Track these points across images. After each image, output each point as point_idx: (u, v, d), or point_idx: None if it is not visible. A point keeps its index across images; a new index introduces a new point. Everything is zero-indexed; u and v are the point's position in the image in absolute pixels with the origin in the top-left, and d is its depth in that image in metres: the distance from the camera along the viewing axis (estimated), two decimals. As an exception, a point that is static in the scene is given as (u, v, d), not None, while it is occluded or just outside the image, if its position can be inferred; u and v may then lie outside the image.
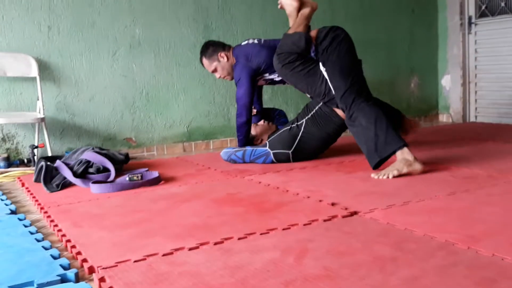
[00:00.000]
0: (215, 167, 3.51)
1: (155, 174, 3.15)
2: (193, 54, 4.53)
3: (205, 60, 3.71)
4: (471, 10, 5.57)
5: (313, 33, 3.30)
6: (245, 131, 3.65)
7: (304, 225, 2.09)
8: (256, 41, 3.72)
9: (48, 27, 3.97)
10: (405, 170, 2.87)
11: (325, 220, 2.14)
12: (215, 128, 4.70)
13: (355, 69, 3.21)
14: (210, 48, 3.67)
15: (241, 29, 4.74)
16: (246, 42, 3.75)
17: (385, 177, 2.87)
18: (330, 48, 3.19)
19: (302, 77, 3.25)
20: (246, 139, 3.68)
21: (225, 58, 3.65)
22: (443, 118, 5.98)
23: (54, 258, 1.83)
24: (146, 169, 3.42)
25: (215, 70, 3.70)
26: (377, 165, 2.99)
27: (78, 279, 1.67)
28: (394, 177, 2.85)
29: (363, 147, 3.05)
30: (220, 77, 3.75)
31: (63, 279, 1.64)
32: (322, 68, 3.19)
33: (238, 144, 3.72)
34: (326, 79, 3.18)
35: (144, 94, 4.38)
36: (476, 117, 5.69)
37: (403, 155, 2.92)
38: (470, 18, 5.58)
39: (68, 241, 2.03)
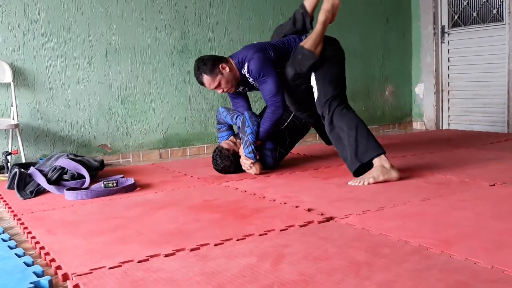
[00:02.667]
0: (192, 174, 3.50)
1: (130, 180, 3.13)
2: (169, 61, 4.53)
3: (206, 77, 3.25)
4: (444, 19, 5.68)
5: None
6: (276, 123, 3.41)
7: (281, 230, 2.10)
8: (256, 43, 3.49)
9: (23, 33, 3.93)
10: (381, 178, 2.90)
11: (301, 226, 2.15)
12: (192, 135, 4.70)
13: (343, 80, 3.28)
14: (209, 63, 3.25)
15: (218, 36, 4.75)
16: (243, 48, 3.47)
17: (361, 183, 2.89)
18: (329, 56, 3.24)
19: (300, 95, 3.33)
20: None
21: (227, 69, 3.25)
22: (417, 125, 6.06)
23: (28, 265, 1.80)
24: (122, 175, 3.40)
25: (218, 85, 3.27)
26: (357, 171, 3.01)
27: (52, 286, 1.65)
28: (369, 184, 2.88)
29: (344, 152, 3.07)
30: (223, 91, 3.34)
31: (37, 287, 1.62)
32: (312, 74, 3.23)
33: (260, 136, 3.34)
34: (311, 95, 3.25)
35: (120, 101, 4.35)
36: (449, 124, 5.79)
37: (381, 162, 2.96)
38: (443, 27, 5.68)
39: (42, 248, 2.01)
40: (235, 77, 3.30)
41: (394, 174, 2.93)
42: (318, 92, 3.19)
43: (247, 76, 3.28)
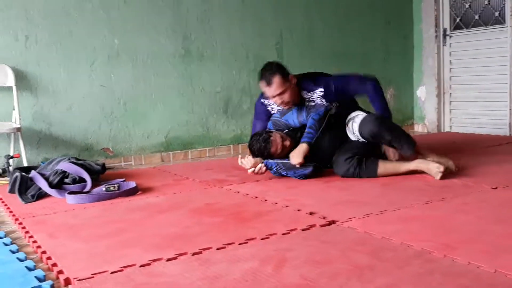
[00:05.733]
0: (193, 177, 3.50)
1: (132, 184, 3.13)
2: (171, 65, 4.53)
3: (279, 79, 3.21)
4: (445, 22, 5.68)
5: None
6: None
7: (283, 234, 2.10)
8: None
9: (26, 37, 3.93)
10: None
11: (303, 230, 2.15)
12: (194, 138, 4.69)
13: None
14: (283, 68, 3.29)
15: (220, 40, 4.75)
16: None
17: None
18: None
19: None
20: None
21: (294, 81, 3.29)
22: (419, 128, 6.06)
23: (29, 269, 1.80)
24: (123, 179, 3.39)
25: (283, 92, 3.24)
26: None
27: (54, 291, 1.64)
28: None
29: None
30: (283, 102, 3.30)
31: (39, 291, 1.62)
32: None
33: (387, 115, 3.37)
34: None
35: (122, 104, 4.35)
36: (450, 127, 5.78)
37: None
38: (445, 30, 5.68)
39: (44, 252, 2.01)
40: (297, 95, 3.34)
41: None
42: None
43: (314, 101, 3.34)
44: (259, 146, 3.22)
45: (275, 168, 3.24)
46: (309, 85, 3.35)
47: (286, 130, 3.40)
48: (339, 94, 3.32)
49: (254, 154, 3.28)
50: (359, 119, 3.25)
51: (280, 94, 3.25)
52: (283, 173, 3.24)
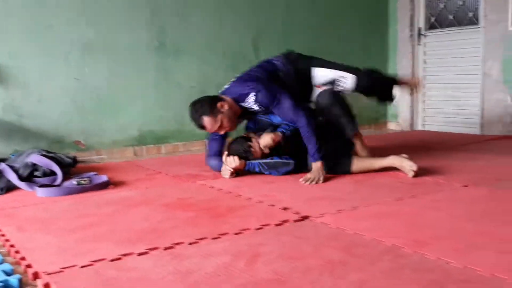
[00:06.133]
0: (166, 172, 3.47)
1: (103, 178, 3.09)
2: (146, 58, 4.48)
3: (208, 119, 3.12)
4: (421, 22, 5.74)
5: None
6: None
7: (256, 229, 2.09)
8: (240, 75, 3.38)
9: (-5, 26, 3.85)
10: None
11: (276, 225, 2.15)
12: (168, 132, 4.65)
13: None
14: (205, 104, 3.14)
15: (197, 33, 4.71)
16: (230, 82, 3.34)
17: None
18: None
19: None
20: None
21: (226, 106, 3.14)
22: (392, 126, 6.12)
23: (-4, 263, 1.76)
24: (95, 173, 3.35)
25: (221, 125, 3.15)
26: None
27: (21, 285, 1.61)
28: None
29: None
30: (226, 131, 3.23)
31: (6, 285, 1.58)
32: None
33: (317, 145, 3.07)
34: None
35: (96, 97, 4.29)
36: (423, 125, 5.85)
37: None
38: (419, 29, 5.74)
39: (12, 246, 1.97)
40: (236, 114, 3.21)
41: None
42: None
43: (253, 108, 3.20)
44: (237, 153, 3.19)
45: (257, 169, 3.22)
46: (240, 95, 3.20)
47: (270, 128, 3.36)
48: (264, 106, 3.20)
49: (230, 153, 3.26)
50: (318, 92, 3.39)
51: (218, 129, 3.18)
52: (266, 173, 3.23)
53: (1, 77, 3.90)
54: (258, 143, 3.22)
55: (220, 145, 3.38)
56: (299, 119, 3.08)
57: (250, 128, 3.41)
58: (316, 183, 2.97)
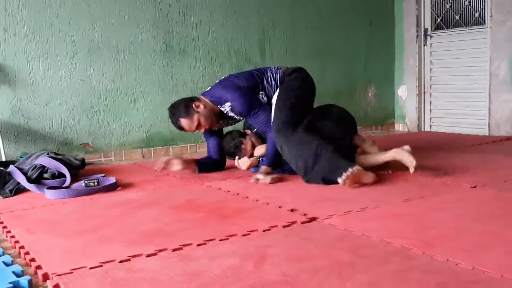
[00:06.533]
0: (174, 173, 3.48)
1: (112, 180, 3.10)
2: (153, 59, 4.50)
3: (184, 120, 3.18)
4: (427, 22, 5.72)
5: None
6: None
7: (264, 231, 2.09)
8: (221, 79, 3.42)
9: (4, 29, 3.87)
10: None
11: (284, 226, 2.15)
12: (175, 134, 4.66)
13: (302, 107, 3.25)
14: (181, 106, 3.20)
15: (202, 35, 4.73)
16: (214, 84, 3.38)
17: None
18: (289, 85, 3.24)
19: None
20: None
21: (202, 106, 3.18)
22: (399, 127, 6.11)
23: (7, 265, 1.77)
24: (103, 175, 3.36)
25: (198, 124, 3.19)
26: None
27: (31, 286, 1.62)
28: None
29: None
30: (206, 129, 3.27)
31: (16, 287, 1.59)
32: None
33: (272, 160, 3.20)
34: None
35: (103, 99, 4.31)
36: (430, 126, 5.84)
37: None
38: (426, 30, 5.73)
39: (22, 247, 1.98)
40: (214, 112, 3.23)
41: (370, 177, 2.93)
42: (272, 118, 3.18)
43: (230, 114, 3.23)
44: (228, 150, 3.47)
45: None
46: (218, 99, 3.23)
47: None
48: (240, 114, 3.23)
49: (226, 153, 3.53)
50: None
51: (197, 128, 3.23)
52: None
53: (8, 78, 3.92)
54: (252, 142, 3.40)
55: (216, 144, 3.51)
56: (269, 132, 3.15)
57: (250, 125, 3.49)
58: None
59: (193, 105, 3.18)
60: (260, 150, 3.42)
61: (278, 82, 3.27)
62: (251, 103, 3.17)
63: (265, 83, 3.27)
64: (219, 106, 3.24)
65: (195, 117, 3.18)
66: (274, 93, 3.25)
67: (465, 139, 4.86)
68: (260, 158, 3.39)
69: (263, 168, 3.19)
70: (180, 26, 4.62)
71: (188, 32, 4.67)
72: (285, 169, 3.24)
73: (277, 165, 3.24)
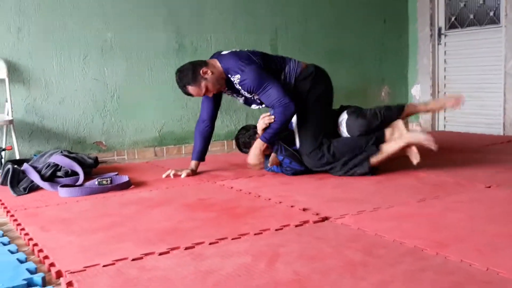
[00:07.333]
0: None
1: (125, 178, 3.12)
2: (165, 59, 4.51)
3: (192, 87, 3.11)
4: (441, 21, 5.68)
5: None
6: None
7: (276, 230, 2.09)
8: (242, 50, 3.30)
9: (18, 29, 3.90)
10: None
11: (296, 225, 2.15)
12: (188, 133, 4.67)
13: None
14: (189, 72, 3.10)
15: (214, 35, 4.73)
16: (227, 51, 3.26)
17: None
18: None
19: None
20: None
21: (209, 72, 3.09)
22: (413, 126, 6.05)
23: (21, 262, 1.79)
24: (116, 173, 3.38)
25: (207, 90, 3.13)
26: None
27: (45, 283, 1.63)
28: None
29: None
30: (214, 92, 3.21)
31: (30, 284, 1.60)
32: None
33: (276, 132, 3.11)
34: None
35: (116, 98, 4.33)
36: (444, 126, 5.79)
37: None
38: (440, 29, 5.68)
39: (35, 245, 1.99)
40: (222, 77, 3.15)
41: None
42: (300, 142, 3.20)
43: (238, 86, 3.15)
44: (244, 141, 3.56)
45: (276, 147, 3.21)
46: (229, 69, 3.14)
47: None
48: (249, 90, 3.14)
49: (239, 146, 3.61)
50: (345, 123, 3.23)
51: (205, 93, 3.18)
52: (279, 158, 3.23)
53: (23, 77, 3.96)
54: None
55: (210, 110, 3.40)
56: (281, 104, 3.04)
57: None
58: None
59: (201, 71, 3.09)
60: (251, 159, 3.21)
61: (293, 81, 3.21)
62: (262, 80, 3.06)
63: (281, 79, 3.19)
64: (231, 78, 3.14)
65: (203, 83, 3.10)
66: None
67: (480, 139, 4.82)
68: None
69: (258, 142, 3.12)
70: (192, 25, 4.63)
71: (201, 31, 4.67)
72: (286, 170, 3.23)
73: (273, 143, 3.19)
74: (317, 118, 3.18)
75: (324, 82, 3.29)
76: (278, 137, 3.17)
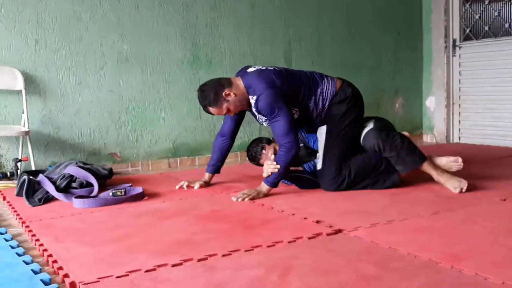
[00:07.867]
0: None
1: (138, 189, 3.13)
2: (180, 71, 4.54)
3: (213, 109, 3.05)
4: (455, 33, 5.66)
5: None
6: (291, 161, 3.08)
7: (289, 242, 2.08)
8: (269, 68, 3.18)
9: (35, 41, 3.96)
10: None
11: (309, 238, 2.14)
12: (201, 144, 4.69)
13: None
14: (211, 94, 3.00)
15: (228, 47, 4.76)
16: (254, 68, 3.17)
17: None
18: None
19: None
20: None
21: (232, 95, 3.01)
22: (427, 138, 6.03)
23: (35, 273, 1.80)
24: (130, 184, 3.40)
25: (228, 111, 3.07)
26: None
27: (58, 294, 1.64)
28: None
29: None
30: (235, 113, 3.16)
31: (44, 294, 1.61)
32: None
33: (280, 176, 3.04)
34: None
35: (131, 109, 4.37)
36: (459, 138, 5.75)
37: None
38: (454, 41, 5.66)
39: (50, 256, 2.01)
40: (244, 98, 3.08)
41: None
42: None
43: (253, 107, 3.09)
44: (251, 155, 3.52)
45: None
46: (249, 87, 3.06)
47: (301, 145, 3.35)
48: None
49: (248, 158, 3.57)
50: (364, 133, 3.17)
51: (225, 114, 3.15)
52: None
53: (39, 89, 4.00)
54: (276, 150, 3.31)
55: (232, 126, 3.37)
56: (284, 144, 2.99)
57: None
58: (250, 198, 2.96)
59: (223, 93, 3.00)
60: (264, 167, 3.13)
61: (327, 104, 3.16)
62: (276, 106, 2.97)
63: (311, 102, 3.13)
64: (248, 95, 3.08)
65: (224, 105, 3.03)
66: (315, 111, 3.15)
67: (495, 151, 4.78)
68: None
69: (264, 187, 3.05)
70: (207, 37, 4.66)
71: (215, 43, 4.70)
72: (301, 184, 3.23)
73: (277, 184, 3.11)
74: (346, 144, 3.12)
75: (359, 106, 3.25)
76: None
